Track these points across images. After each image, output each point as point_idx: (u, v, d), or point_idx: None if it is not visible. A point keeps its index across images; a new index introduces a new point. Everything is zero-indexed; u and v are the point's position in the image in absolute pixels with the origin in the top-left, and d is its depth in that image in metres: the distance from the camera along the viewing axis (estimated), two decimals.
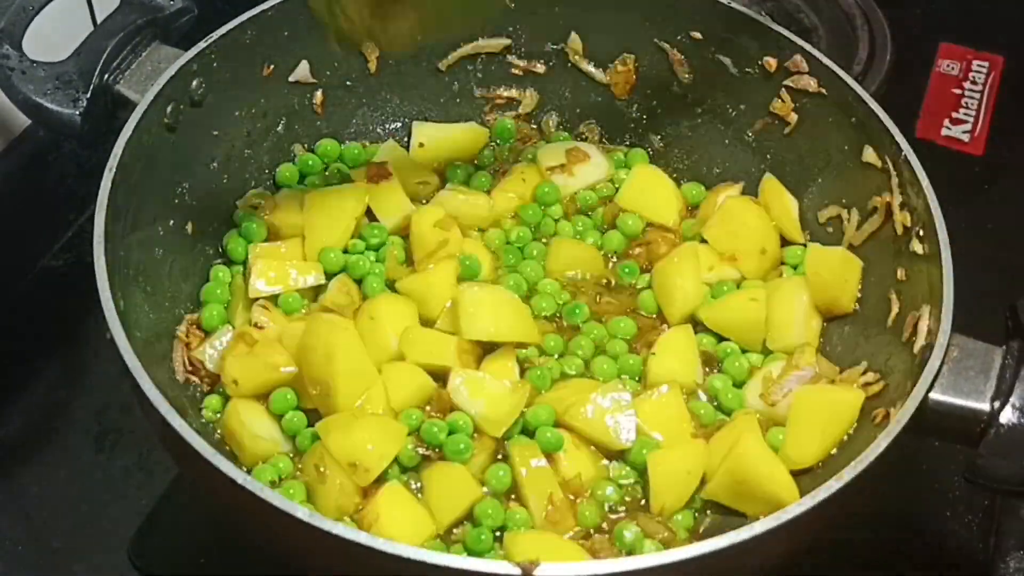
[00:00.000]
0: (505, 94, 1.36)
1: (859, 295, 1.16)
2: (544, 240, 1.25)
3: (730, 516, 1.04)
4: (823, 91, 1.19)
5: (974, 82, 1.64)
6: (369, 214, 1.24)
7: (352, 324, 1.10)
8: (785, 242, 1.24)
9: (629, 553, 1.01)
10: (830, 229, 1.22)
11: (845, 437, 1.04)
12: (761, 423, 1.09)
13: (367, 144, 1.33)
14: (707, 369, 1.15)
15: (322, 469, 1.02)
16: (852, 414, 1.04)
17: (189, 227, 1.18)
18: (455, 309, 1.12)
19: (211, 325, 1.14)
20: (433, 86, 1.34)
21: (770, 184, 1.25)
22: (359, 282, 1.18)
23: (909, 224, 1.09)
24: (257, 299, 1.15)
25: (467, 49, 1.33)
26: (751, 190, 1.27)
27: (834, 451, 1.04)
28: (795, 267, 1.21)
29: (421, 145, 1.31)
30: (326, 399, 1.06)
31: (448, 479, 1.03)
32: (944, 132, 1.58)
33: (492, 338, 1.11)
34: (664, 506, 1.04)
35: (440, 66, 1.34)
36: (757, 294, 1.17)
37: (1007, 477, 0.96)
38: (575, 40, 1.32)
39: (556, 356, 1.15)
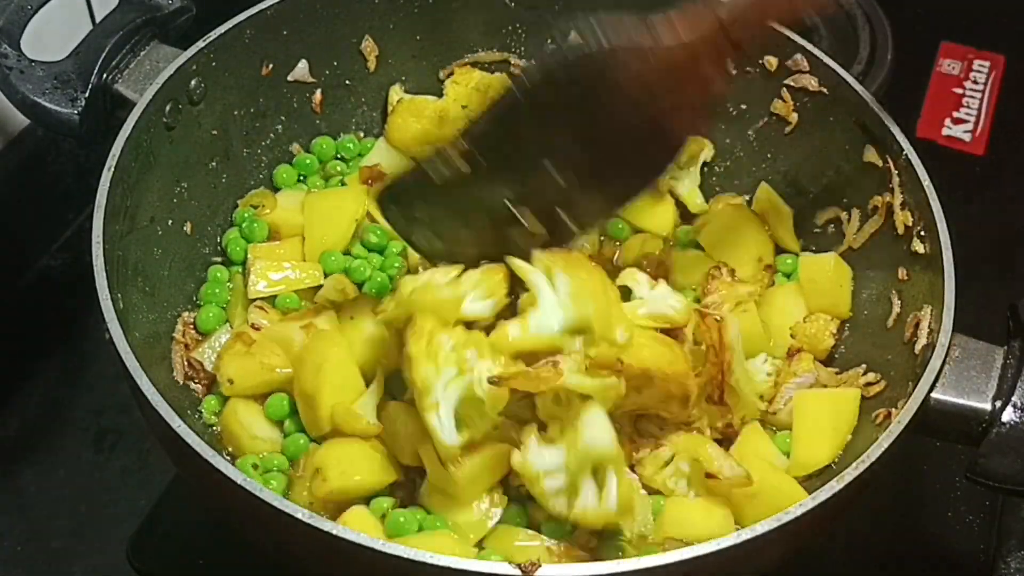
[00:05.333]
0: None
1: (855, 300, 1.16)
2: None
3: None
4: (824, 90, 1.19)
5: (975, 81, 1.64)
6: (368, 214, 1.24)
7: (345, 340, 1.08)
8: (779, 250, 1.24)
9: None
10: (831, 229, 1.22)
11: (851, 435, 1.04)
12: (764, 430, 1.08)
13: (362, 136, 1.33)
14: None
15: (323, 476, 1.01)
16: (854, 411, 1.04)
17: (188, 227, 1.18)
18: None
19: (207, 328, 1.14)
20: (433, 86, 1.34)
21: (765, 192, 1.25)
22: (360, 285, 1.18)
23: (910, 224, 1.09)
24: (255, 300, 1.14)
25: (466, 60, 1.33)
26: (752, 190, 1.27)
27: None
28: (788, 275, 1.21)
29: None
30: (311, 412, 1.04)
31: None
32: (945, 132, 1.58)
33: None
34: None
35: (439, 75, 1.34)
36: (748, 305, 1.14)
37: (1009, 476, 0.95)
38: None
39: None
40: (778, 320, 1.16)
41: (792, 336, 1.14)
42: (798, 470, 1.04)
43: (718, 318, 1.05)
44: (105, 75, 1.14)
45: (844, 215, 1.19)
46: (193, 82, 1.15)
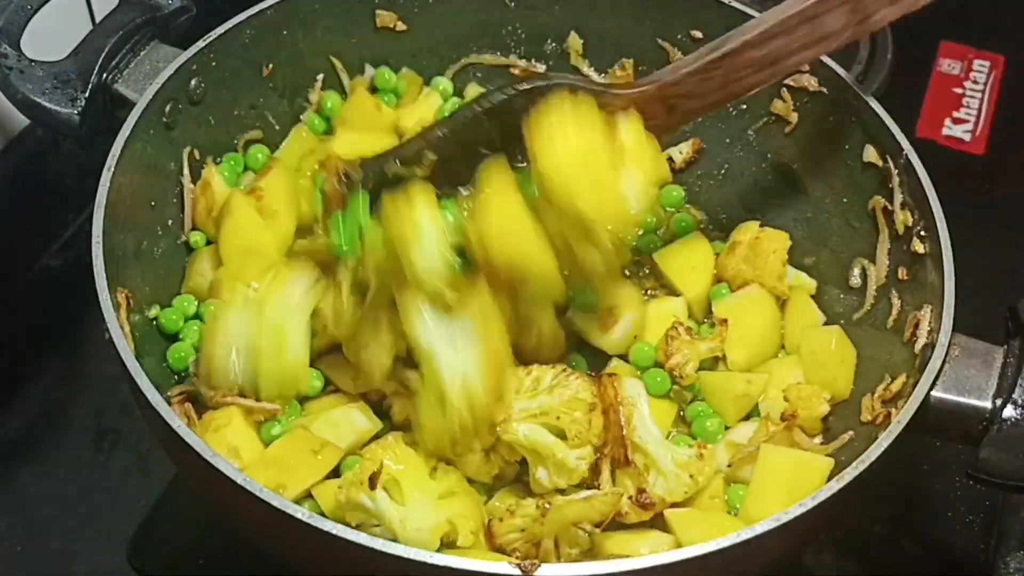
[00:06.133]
0: None
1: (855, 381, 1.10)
2: None
3: None
4: (824, 90, 1.19)
5: (975, 81, 1.64)
6: None
7: None
8: None
9: None
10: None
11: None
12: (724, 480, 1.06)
13: None
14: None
15: None
16: (819, 480, 0.99)
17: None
18: None
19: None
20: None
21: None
22: None
23: (910, 224, 1.09)
24: None
25: (466, 62, 1.33)
26: (752, 188, 1.27)
27: None
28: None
29: None
30: None
31: None
32: (945, 131, 1.58)
33: None
34: None
35: (439, 75, 1.34)
36: (757, 379, 1.12)
37: (1011, 472, 0.95)
38: (575, 39, 1.32)
39: None
40: (772, 386, 1.11)
41: (786, 399, 1.08)
42: (746, 524, 0.95)
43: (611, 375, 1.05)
44: (105, 75, 1.14)
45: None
46: (193, 82, 1.15)
